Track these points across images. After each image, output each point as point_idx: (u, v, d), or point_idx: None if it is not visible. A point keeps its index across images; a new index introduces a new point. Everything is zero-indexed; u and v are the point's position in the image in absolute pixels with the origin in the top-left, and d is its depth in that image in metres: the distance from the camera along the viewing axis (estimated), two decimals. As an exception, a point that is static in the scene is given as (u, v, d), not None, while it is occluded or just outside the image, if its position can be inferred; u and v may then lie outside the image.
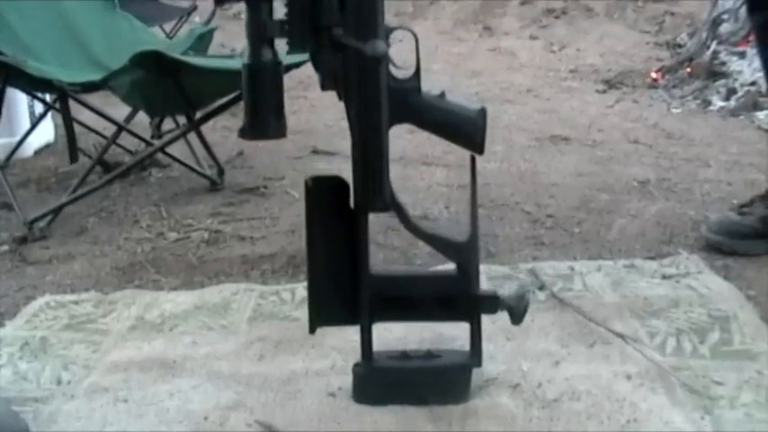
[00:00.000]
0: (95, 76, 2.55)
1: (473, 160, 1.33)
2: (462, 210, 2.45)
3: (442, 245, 1.30)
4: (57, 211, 2.56)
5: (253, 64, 1.19)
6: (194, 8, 5.34)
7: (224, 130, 3.47)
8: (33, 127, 3.28)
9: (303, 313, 1.42)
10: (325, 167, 2.85)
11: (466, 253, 1.28)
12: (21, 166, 3.37)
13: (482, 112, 1.28)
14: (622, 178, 2.81)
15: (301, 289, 1.86)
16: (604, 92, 4.56)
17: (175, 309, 1.84)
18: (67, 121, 2.53)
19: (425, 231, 1.31)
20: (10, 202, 2.71)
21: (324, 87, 1.22)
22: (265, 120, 1.20)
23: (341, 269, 1.28)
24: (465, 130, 1.27)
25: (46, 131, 3.60)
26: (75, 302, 1.96)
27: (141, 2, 5.64)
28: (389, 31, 1.22)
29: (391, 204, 1.24)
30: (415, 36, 1.27)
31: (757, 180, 2.77)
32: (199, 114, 2.57)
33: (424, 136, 3.32)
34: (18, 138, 3.37)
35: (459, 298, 1.29)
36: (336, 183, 1.28)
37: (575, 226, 2.33)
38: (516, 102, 4.28)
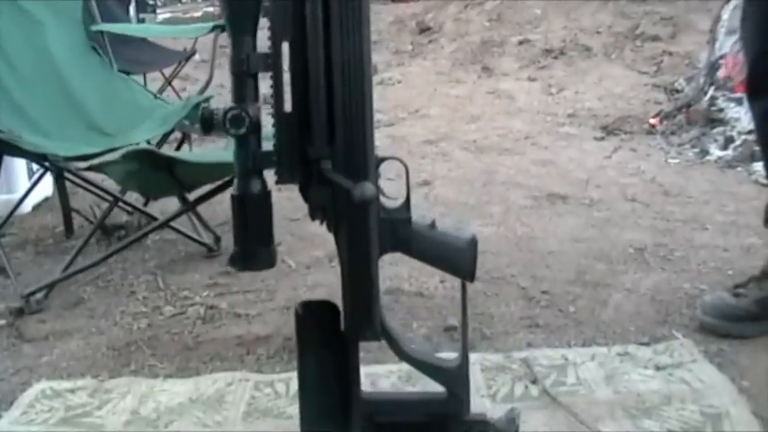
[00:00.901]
0: (91, 148, 2.56)
1: (464, 286, 1.33)
2: (457, 284, 2.45)
3: (432, 371, 1.30)
4: (52, 285, 2.57)
5: (241, 195, 1.20)
6: (193, 53, 5.38)
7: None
8: (30, 189, 3.28)
9: (297, 410, 1.41)
10: (320, 231, 2.85)
11: (456, 378, 1.29)
12: (18, 224, 3.37)
13: (472, 242, 1.29)
14: (619, 244, 2.81)
15: (296, 381, 1.86)
16: (602, 139, 4.57)
17: (170, 401, 1.84)
18: (63, 198, 2.54)
19: (417, 358, 1.31)
20: (6, 267, 2.72)
21: (313, 218, 1.23)
22: (255, 251, 1.21)
23: (331, 393, 1.29)
24: (455, 260, 1.28)
25: (44, 186, 3.60)
26: (71, 391, 1.96)
27: (141, 47, 5.69)
28: (380, 161, 1.23)
29: (382, 333, 1.24)
30: (405, 166, 1.28)
31: (753, 245, 2.78)
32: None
33: (419, 200, 3.36)
34: (16, 195, 3.38)
35: (449, 422, 1.29)
36: (326, 308, 1.28)
37: (570, 304, 2.32)
38: (514, 151, 4.29)
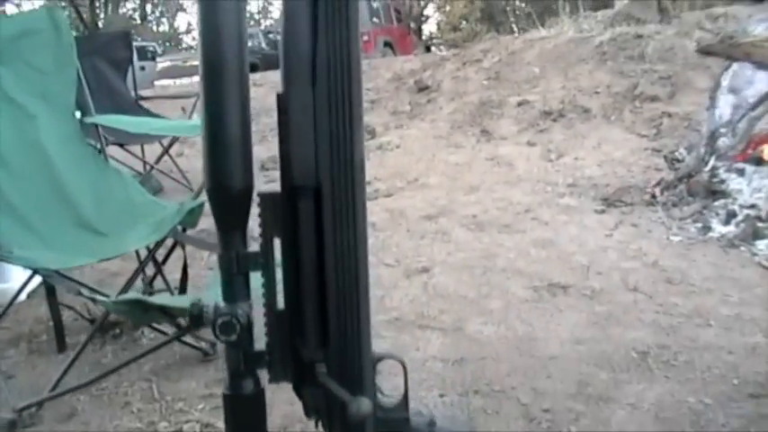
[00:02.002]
0: (83, 257, 2.53)
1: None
2: (458, 398, 2.42)
3: None
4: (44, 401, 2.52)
5: (233, 395, 1.15)
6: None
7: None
8: (27, 282, 3.24)
9: None
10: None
11: None
12: (13, 315, 3.32)
13: (471, 440, 1.24)
14: (621, 346, 2.76)
15: None
16: (603, 212, 4.54)
17: None
18: (55, 312, 2.50)
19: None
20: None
21: (308, 415, 1.18)
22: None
23: None
24: (456, 461, 1.23)
25: (39, 275, 3.57)
26: None
27: (138, 115, 5.70)
28: (377, 359, 1.18)
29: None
30: (404, 366, 1.23)
31: (759, 345, 2.73)
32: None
33: (418, 292, 3.32)
34: (10, 284, 3.33)
35: None
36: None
37: (571, 423, 2.27)
38: (514, 228, 4.26)
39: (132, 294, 2.28)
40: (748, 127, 4.73)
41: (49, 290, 2.44)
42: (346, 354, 1.15)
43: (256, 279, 1.15)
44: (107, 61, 5.93)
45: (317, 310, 1.15)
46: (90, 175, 3.13)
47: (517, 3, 25.49)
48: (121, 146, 5.44)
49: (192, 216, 2.65)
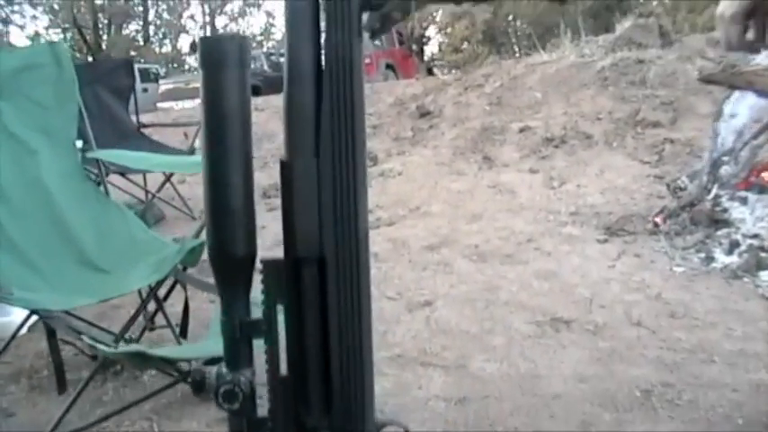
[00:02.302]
0: (84, 296, 2.52)
1: None
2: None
3: None
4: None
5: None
6: (192, 152, 5.39)
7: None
8: (29, 316, 3.23)
9: None
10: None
11: None
12: (14, 350, 3.30)
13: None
14: (625, 384, 2.75)
15: None
16: (605, 241, 4.53)
17: None
18: (55, 353, 2.48)
19: None
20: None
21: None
22: None
23: None
24: None
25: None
26: None
27: (141, 143, 5.72)
28: (381, 426, 1.17)
29: None
30: (407, 432, 1.22)
31: (763, 382, 2.72)
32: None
33: (421, 327, 3.31)
34: (11, 317, 3.31)
35: None
36: None
37: (576, 469, 2.26)
38: (516, 259, 4.25)
39: (133, 347, 2.27)
40: (750, 155, 4.72)
41: (50, 331, 2.43)
42: (350, 421, 1.14)
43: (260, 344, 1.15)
44: (109, 89, 5.94)
45: (321, 377, 1.14)
46: (91, 212, 3.12)
47: (518, 24, 25.57)
48: (123, 174, 5.44)
49: (192, 255, 2.64)
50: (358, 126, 0.92)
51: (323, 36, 0.89)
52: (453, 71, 16.92)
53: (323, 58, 0.89)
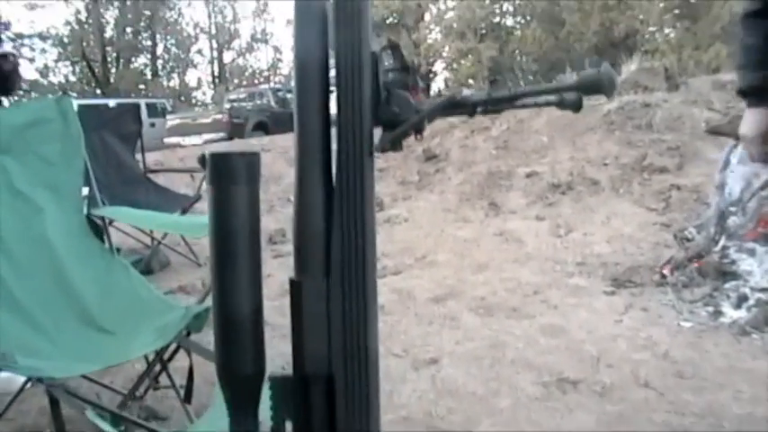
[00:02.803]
0: (87, 363, 2.50)
1: None
2: None
3: None
4: None
5: None
6: (198, 198, 5.39)
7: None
8: (25, 383, 3.20)
9: None
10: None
11: None
12: (17, 405, 3.27)
13: None
14: (633, 453, 2.72)
15: None
16: (613, 293, 4.50)
17: None
18: (57, 419, 2.46)
19: None
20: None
21: None
22: None
23: None
24: None
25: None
26: None
27: (148, 189, 5.73)
28: None
29: None
30: None
31: (773, 449, 2.69)
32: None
33: (427, 387, 3.28)
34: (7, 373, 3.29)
35: None
36: None
37: None
38: (522, 312, 4.22)
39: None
40: (758, 205, 4.71)
41: (53, 400, 2.41)
42: None
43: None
44: (116, 135, 5.96)
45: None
46: (96, 271, 3.11)
47: (524, 60, 25.68)
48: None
49: (198, 321, 2.63)
50: (369, 247, 0.91)
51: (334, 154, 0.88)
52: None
53: (334, 177, 0.88)
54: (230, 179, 0.87)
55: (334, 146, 0.86)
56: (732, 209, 4.78)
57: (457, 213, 6.40)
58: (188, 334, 2.71)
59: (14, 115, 3.23)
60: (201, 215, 5.94)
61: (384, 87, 0.91)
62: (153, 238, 5.82)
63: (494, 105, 0.86)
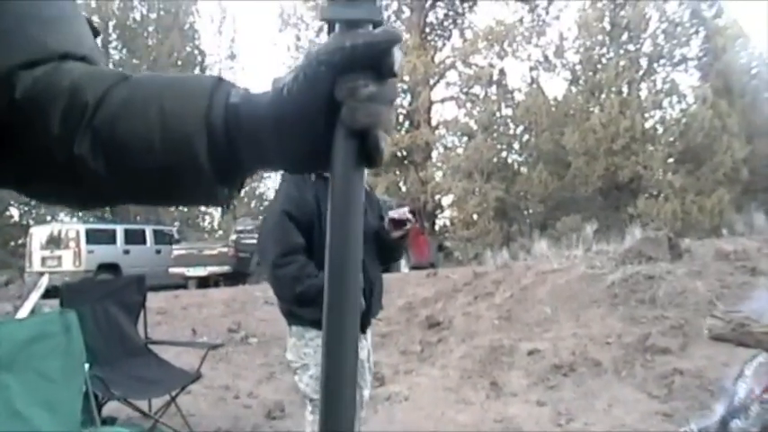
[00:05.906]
0: None
1: None
2: None
3: None
4: None
5: None
6: (199, 376, 5.37)
7: None
8: None
9: None
10: None
11: None
12: None
13: None
14: None
15: None
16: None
17: None
18: None
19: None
20: None
21: None
22: None
23: None
24: None
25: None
26: None
27: (149, 362, 5.72)
28: None
29: None
30: None
31: None
32: None
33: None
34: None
35: None
36: None
37: None
38: None
39: None
40: (762, 410, 4.67)
41: None
42: None
43: None
44: (119, 305, 5.97)
45: None
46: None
47: (529, 199, 25.90)
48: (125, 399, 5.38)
49: None
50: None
51: None
52: (462, 272, 17.15)
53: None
54: None
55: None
56: (735, 415, 4.75)
57: (458, 393, 6.34)
58: None
59: (18, 331, 3.26)
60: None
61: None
62: (149, 413, 5.75)
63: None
